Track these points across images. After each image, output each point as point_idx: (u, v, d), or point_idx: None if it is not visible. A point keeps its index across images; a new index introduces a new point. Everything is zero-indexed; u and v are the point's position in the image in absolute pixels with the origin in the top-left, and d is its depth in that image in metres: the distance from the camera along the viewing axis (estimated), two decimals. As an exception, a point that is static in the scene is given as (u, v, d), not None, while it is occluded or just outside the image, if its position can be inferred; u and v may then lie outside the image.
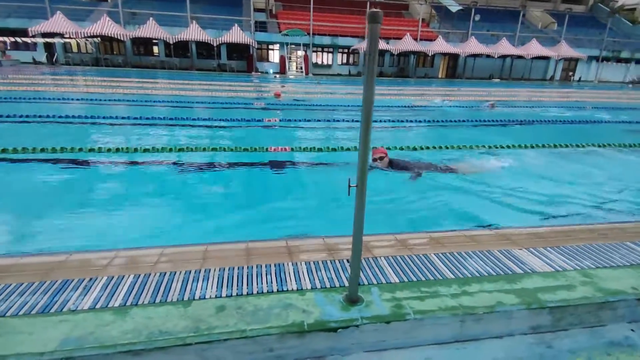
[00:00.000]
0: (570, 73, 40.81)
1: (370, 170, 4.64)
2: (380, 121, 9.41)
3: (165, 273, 2.23)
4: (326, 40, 33.90)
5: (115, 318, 1.83)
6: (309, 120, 8.62)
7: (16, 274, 2.19)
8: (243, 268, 2.31)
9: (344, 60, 36.04)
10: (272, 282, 2.17)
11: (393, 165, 5.25)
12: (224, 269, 2.29)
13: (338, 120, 9.31)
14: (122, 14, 30.60)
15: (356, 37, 34.55)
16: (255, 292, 2.08)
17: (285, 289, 2.12)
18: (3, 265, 2.28)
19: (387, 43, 33.18)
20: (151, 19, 29.19)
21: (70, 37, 27.67)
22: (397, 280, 2.24)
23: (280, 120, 8.81)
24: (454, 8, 37.67)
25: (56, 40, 27.62)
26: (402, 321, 1.91)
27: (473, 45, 33.98)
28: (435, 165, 5.47)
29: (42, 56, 29.94)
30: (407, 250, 2.62)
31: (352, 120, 9.06)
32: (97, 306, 1.91)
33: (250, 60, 33.08)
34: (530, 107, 14.62)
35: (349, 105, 12.17)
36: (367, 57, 1.65)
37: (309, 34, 32.77)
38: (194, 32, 29.55)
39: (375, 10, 1.57)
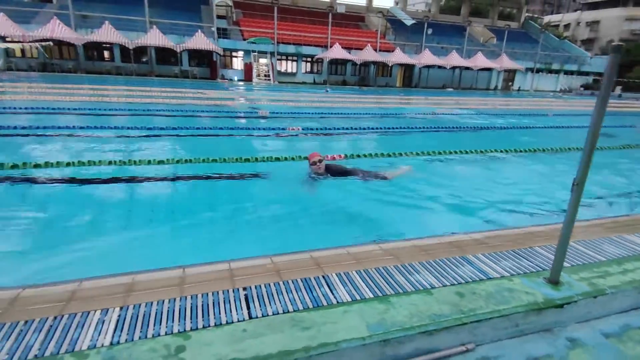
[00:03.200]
0: (510, 83, 44.83)
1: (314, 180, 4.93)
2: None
3: (388, 267, 2.48)
4: (291, 48, 34.31)
5: (386, 307, 2.06)
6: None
7: (261, 275, 2.31)
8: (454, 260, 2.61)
9: (308, 69, 36.63)
10: (474, 272, 2.49)
11: (331, 171, 5.16)
12: (433, 262, 2.58)
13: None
14: (73, 16, 28.70)
15: (319, 46, 35.33)
16: (466, 281, 2.40)
17: (490, 277, 2.46)
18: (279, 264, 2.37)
19: (349, 53, 34.30)
20: (107, 22, 27.71)
21: (16, 41, 25.40)
22: (566, 265, 2.67)
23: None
24: (409, 22, 40.03)
25: (-1, 44, 25.28)
26: (603, 295, 2.34)
27: (428, 57, 36.25)
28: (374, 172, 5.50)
29: (-19, 61, 27.16)
30: (546, 240, 3.07)
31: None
32: (355, 297, 2.12)
33: (214, 67, 32.53)
34: (513, 114, 16.17)
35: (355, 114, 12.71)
36: (604, 82, 2.06)
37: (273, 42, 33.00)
38: (155, 38, 28.52)
39: (618, 43, 1.99)
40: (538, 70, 44.23)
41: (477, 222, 4.14)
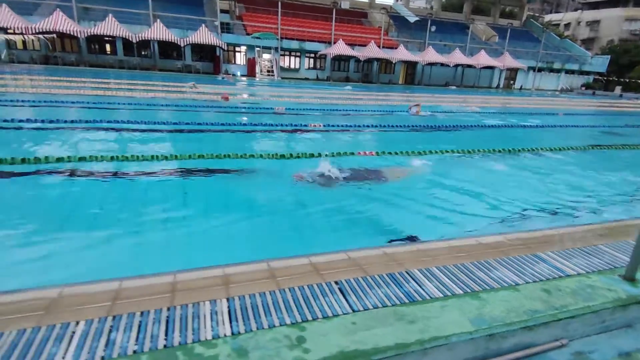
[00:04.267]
0: (512, 82, 44.97)
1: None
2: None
3: (466, 264, 2.51)
4: (294, 44, 34.17)
5: (479, 302, 2.10)
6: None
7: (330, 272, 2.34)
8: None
9: (311, 65, 36.51)
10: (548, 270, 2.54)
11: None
12: (507, 259, 2.62)
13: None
14: (76, 8, 28.41)
15: (322, 42, 35.19)
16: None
17: (567, 275, 2.50)
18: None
19: (353, 49, 34.19)
20: (110, 15, 27.47)
21: (19, 33, 25.11)
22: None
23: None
24: (412, 19, 39.88)
25: (0, 36, 24.96)
26: (679, 291, 2.38)
27: (431, 54, 36.23)
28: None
29: (-17, 53, 26.88)
30: (603, 239, 3.12)
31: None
32: (445, 293, 2.16)
33: (217, 61, 32.35)
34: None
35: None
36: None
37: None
38: (158, 31, 28.29)
39: None
40: (540, 69, 44.36)
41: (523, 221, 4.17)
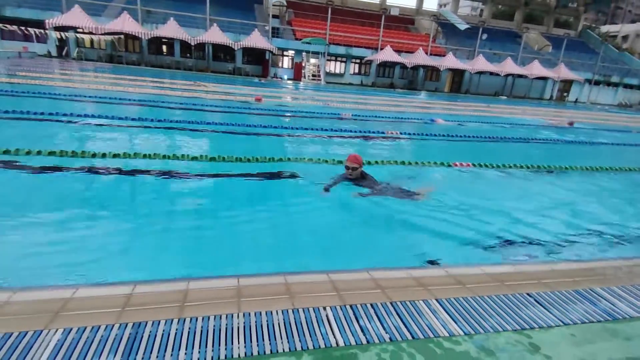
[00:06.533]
0: (565, 94, 43.04)
1: (335, 184, 4.28)
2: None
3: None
4: (341, 49, 34.44)
5: None
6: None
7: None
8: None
9: (356, 70, 36.64)
10: None
11: (365, 179, 4.59)
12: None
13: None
14: (140, 11, 30.10)
15: (369, 48, 35.26)
16: None
17: None
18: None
19: (400, 55, 33.99)
20: (172, 19, 28.89)
21: (89, 33, 26.88)
22: None
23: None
24: (462, 26, 39.16)
25: (72, 34, 26.81)
26: None
27: (481, 63, 35.35)
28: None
29: (54, 49, 29.02)
30: None
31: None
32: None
33: (265, 65, 33.16)
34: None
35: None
36: None
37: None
38: (214, 35, 29.40)
39: None
40: (597, 82, 42.22)
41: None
